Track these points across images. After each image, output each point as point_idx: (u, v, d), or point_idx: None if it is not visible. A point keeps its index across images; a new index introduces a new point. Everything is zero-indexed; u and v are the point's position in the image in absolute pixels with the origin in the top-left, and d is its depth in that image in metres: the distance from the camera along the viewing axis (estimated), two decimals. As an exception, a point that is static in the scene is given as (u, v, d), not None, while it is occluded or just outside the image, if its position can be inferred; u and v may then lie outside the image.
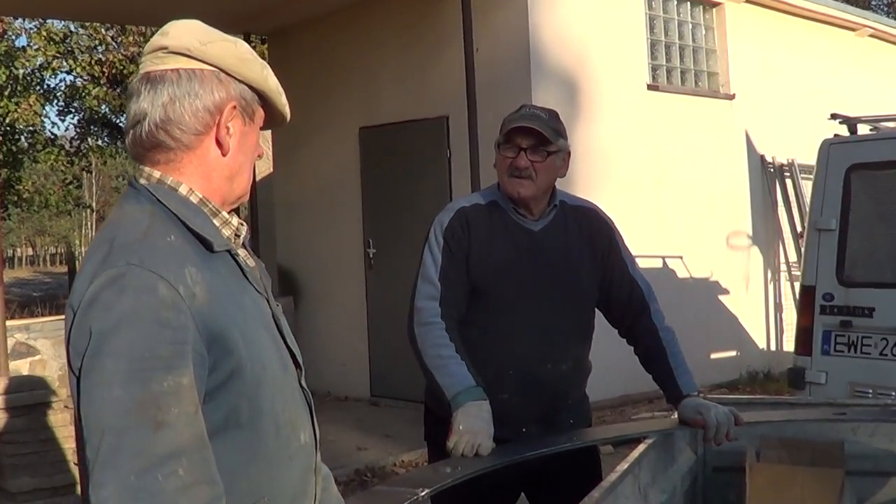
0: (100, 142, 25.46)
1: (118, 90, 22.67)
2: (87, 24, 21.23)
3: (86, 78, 22.93)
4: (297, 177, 12.62)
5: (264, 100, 2.21)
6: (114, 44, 22.48)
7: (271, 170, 13.78)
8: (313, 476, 2.27)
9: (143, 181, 2.11)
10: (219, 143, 2.12)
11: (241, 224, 2.22)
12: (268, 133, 13.31)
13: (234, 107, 2.13)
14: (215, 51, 2.11)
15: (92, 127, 24.67)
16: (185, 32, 2.12)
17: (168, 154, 2.09)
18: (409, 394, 9.26)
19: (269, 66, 2.22)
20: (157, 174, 2.10)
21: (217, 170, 2.13)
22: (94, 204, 47.81)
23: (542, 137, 3.78)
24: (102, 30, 21.92)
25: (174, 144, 2.09)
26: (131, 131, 2.11)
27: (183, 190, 2.09)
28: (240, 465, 2.02)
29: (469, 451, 3.46)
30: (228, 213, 2.18)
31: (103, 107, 23.48)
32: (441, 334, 3.74)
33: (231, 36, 2.19)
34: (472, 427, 3.51)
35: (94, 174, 44.21)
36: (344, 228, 11.85)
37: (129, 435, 1.80)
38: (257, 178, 13.59)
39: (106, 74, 22.26)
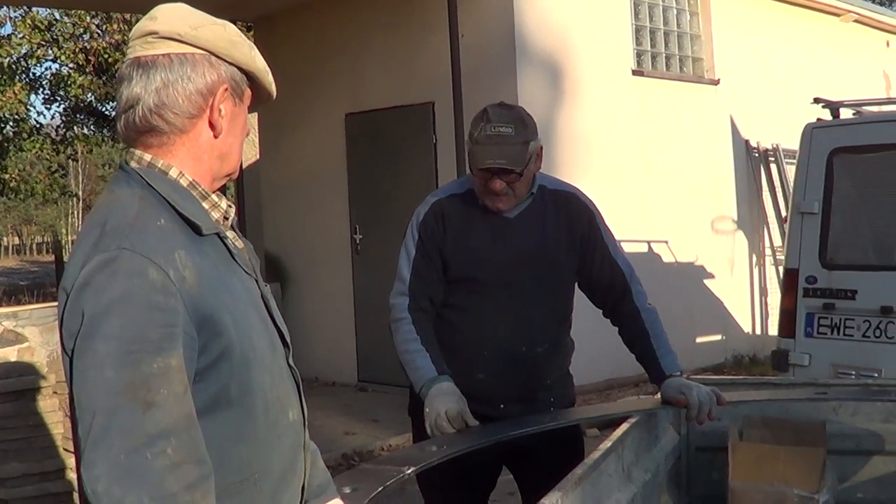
0: (86, 130, 25.36)
1: (104, 78, 22.59)
2: (72, 11, 21.15)
3: (71, 66, 22.85)
4: (284, 163, 12.64)
5: (252, 80, 2.25)
6: (98, 31, 22.39)
7: (258, 156, 13.79)
8: (302, 453, 2.32)
9: (133, 164, 2.13)
10: (211, 125, 2.15)
11: (230, 206, 2.25)
12: (254, 119, 13.34)
13: (226, 89, 2.16)
14: (206, 34, 2.14)
15: (78, 115, 24.56)
16: (175, 17, 2.14)
17: (161, 137, 2.12)
18: (397, 379, 9.20)
19: (255, 47, 2.25)
20: (147, 157, 2.13)
21: (209, 151, 2.16)
22: (80, 192, 47.68)
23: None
24: (87, 18, 21.83)
25: (168, 128, 2.11)
26: (123, 116, 2.13)
27: (173, 173, 2.12)
28: (230, 443, 2.06)
29: (445, 424, 3.59)
30: (217, 193, 2.21)
31: (89, 95, 23.39)
32: (408, 329, 3.87)
33: (218, 19, 2.21)
34: (436, 404, 3.65)
35: (80, 163, 44.08)
36: (330, 214, 11.88)
37: (120, 415, 1.84)
38: (244, 165, 13.62)
39: (91, 63, 22.18)
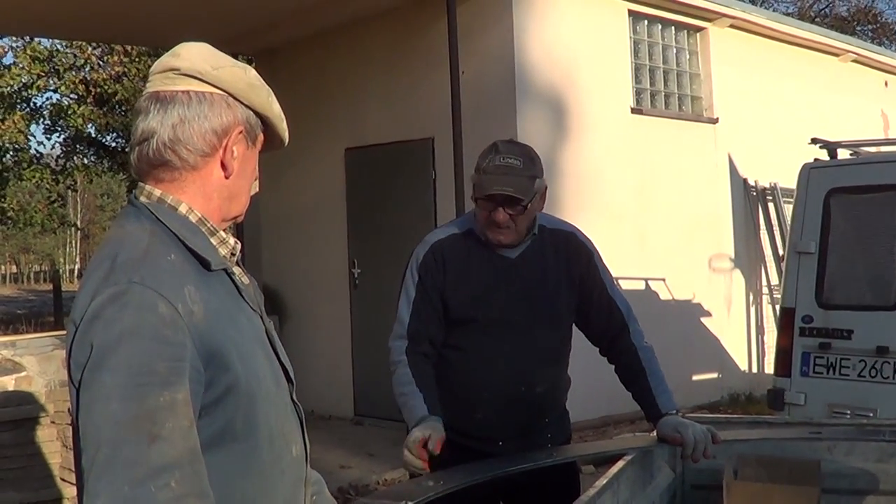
0: (86, 161, 25.42)
1: (104, 109, 22.68)
2: (73, 42, 21.23)
3: (72, 97, 22.94)
4: (284, 197, 12.65)
5: (266, 125, 2.28)
6: (99, 63, 22.48)
7: (257, 189, 13.79)
8: (303, 488, 2.33)
9: (143, 199, 2.15)
10: (223, 166, 2.18)
11: (237, 242, 2.28)
12: (254, 153, 13.35)
13: (241, 131, 2.19)
14: (226, 76, 2.17)
15: (78, 146, 24.63)
16: (197, 56, 2.17)
17: (173, 173, 2.15)
18: (393, 413, 9.24)
19: (273, 93, 2.28)
20: (157, 192, 2.15)
21: (218, 190, 2.19)
22: (78, 222, 47.71)
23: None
24: (88, 49, 21.92)
25: (180, 164, 2.14)
26: (137, 148, 2.15)
27: (183, 209, 2.14)
28: (235, 478, 2.08)
29: (412, 461, 3.61)
30: (225, 230, 2.24)
31: (89, 126, 23.46)
32: (404, 372, 3.89)
33: (240, 62, 2.25)
34: (407, 441, 3.66)
35: (79, 193, 44.14)
36: (329, 249, 11.91)
37: (125, 447, 1.85)
38: (243, 198, 13.62)
39: (92, 94, 22.26)
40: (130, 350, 1.91)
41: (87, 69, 22.58)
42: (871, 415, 6.59)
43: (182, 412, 1.92)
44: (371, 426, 10.95)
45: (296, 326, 12.34)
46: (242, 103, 2.20)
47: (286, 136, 2.35)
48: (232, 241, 2.24)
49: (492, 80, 10.43)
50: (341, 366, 11.69)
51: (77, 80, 22.28)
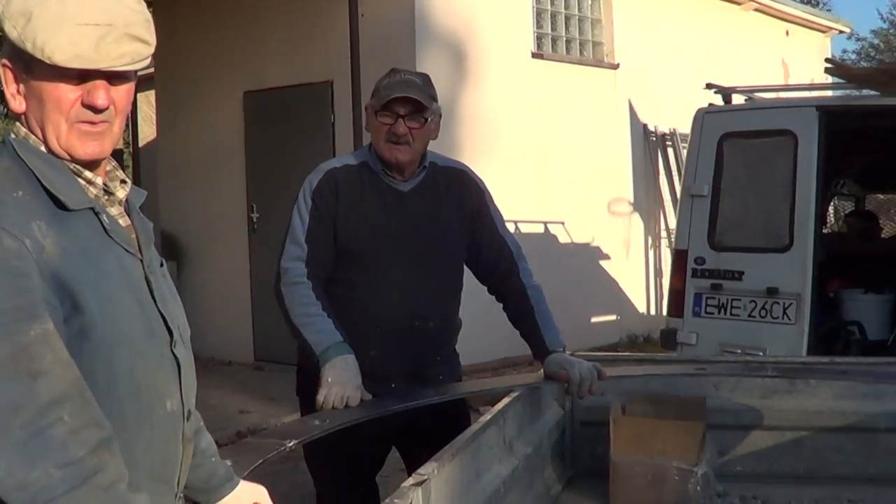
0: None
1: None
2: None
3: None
4: (181, 141, 12.50)
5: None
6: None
7: (155, 134, 13.63)
8: (180, 445, 2.20)
9: (12, 136, 2.07)
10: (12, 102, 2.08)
11: (125, 181, 2.19)
12: (152, 97, 13.18)
13: (5, 65, 2.06)
14: (5, 13, 2.02)
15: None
16: None
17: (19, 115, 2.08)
18: (293, 358, 9.20)
19: (36, 16, 1.98)
20: (24, 130, 2.07)
21: (41, 128, 2.06)
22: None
23: (419, 105, 3.84)
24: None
25: (14, 106, 2.08)
26: None
27: (44, 147, 2.05)
28: None
29: (339, 403, 3.53)
30: (93, 173, 2.11)
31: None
32: (307, 293, 3.81)
33: None
34: (340, 379, 3.59)
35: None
36: (227, 193, 11.80)
37: (7, 390, 1.78)
38: (140, 143, 13.46)
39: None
40: None
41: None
42: (761, 354, 6.72)
43: (57, 344, 1.85)
44: (271, 371, 10.90)
45: (194, 272, 12.23)
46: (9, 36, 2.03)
47: (44, 54, 1.98)
48: (100, 181, 2.12)
49: (391, 24, 10.37)
50: (241, 311, 11.63)
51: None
